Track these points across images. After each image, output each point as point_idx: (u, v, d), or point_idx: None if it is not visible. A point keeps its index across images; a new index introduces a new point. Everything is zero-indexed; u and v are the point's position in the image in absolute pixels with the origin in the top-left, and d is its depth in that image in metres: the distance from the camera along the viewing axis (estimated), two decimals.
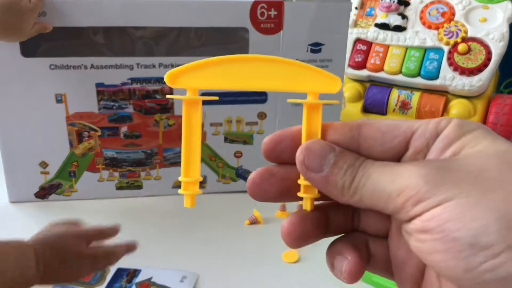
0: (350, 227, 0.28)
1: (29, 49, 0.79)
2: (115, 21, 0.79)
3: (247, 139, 0.89)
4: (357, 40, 1.06)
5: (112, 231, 0.64)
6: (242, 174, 0.91)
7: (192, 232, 0.80)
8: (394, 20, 1.02)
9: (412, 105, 0.98)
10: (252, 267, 0.71)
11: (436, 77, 0.96)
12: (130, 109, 0.84)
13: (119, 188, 0.89)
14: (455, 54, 0.95)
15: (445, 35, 0.97)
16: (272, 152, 0.27)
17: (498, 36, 0.93)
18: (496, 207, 0.20)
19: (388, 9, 1.03)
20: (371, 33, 1.04)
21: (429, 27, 1.00)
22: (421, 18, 1.01)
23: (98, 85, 0.82)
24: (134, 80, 0.83)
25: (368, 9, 1.08)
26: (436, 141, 0.24)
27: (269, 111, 0.87)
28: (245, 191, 0.88)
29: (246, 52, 0.82)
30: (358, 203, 0.24)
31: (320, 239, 0.27)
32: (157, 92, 0.84)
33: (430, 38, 0.98)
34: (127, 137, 0.86)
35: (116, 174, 0.88)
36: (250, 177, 0.27)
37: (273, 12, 0.81)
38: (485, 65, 0.93)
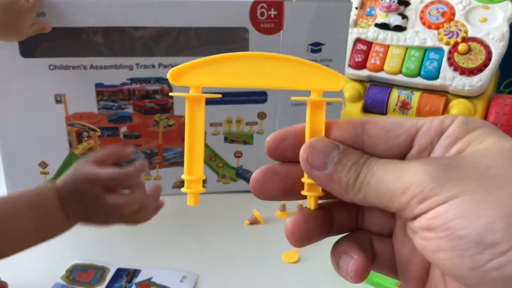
0: (354, 226, 0.28)
1: (29, 49, 0.79)
2: (115, 21, 0.79)
3: (247, 139, 0.89)
4: (357, 40, 1.05)
5: (125, 152, 0.65)
6: (242, 174, 0.91)
7: (192, 232, 0.80)
8: (394, 20, 1.02)
9: (412, 105, 0.98)
10: (252, 267, 0.71)
11: (436, 77, 0.96)
12: (129, 109, 0.84)
13: None
14: (455, 54, 0.95)
15: (445, 35, 0.97)
16: (275, 150, 0.26)
17: (498, 36, 0.93)
18: (502, 205, 0.20)
19: (388, 9, 1.03)
20: (371, 33, 1.04)
21: (429, 27, 1.00)
22: (421, 18, 1.01)
23: (98, 85, 0.82)
24: (133, 80, 0.82)
25: (368, 9, 1.08)
26: (441, 139, 0.24)
27: (269, 111, 0.87)
28: (245, 191, 0.89)
29: None
30: (363, 201, 0.24)
31: (324, 238, 0.27)
32: (156, 92, 0.84)
33: (430, 38, 0.98)
34: (127, 137, 0.86)
35: None
36: (253, 175, 0.26)
37: (273, 12, 0.80)
38: (485, 65, 0.93)
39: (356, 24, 1.08)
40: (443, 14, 1.00)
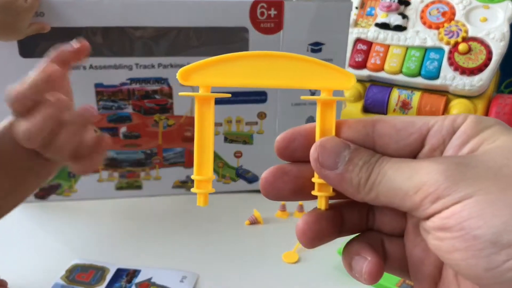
0: (364, 226, 0.28)
1: (27, 49, 0.78)
2: (114, 21, 0.79)
3: (247, 139, 0.89)
4: (357, 40, 1.05)
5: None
6: (242, 174, 0.91)
7: (192, 232, 0.79)
8: (395, 19, 1.02)
9: (413, 105, 0.98)
10: (252, 267, 0.71)
11: (436, 77, 0.96)
12: (129, 110, 0.84)
13: (119, 188, 0.89)
14: (456, 54, 0.95)
15: (445, 34, 0.97)
16: (285, 150, 0.26)
17: (498, 36, 0.93)
18: None
19: (389, 9, 1.03)
20: (372, 32, 1.03)
21: (430, 27, 0.99)
22: (421, 17, 1.01)
23: (97, 85, 0.82)
24: (133, 80, 0.82)
25: (368, 9, 1.08)
26: (453, 137, 0.24)
27: (269, 111, 0.87)
28: (245, 191, 0.88)
29: None
30: (374, 201, 0.24)
31: (335, 239, 0.27)
32: (156, 92, 0.83)
33: (430, 38, 0.98)
34: (127, 137, 0.86)
35: (116, 174, 0.88)
36: (263, 175, 0.26)
37: (273, 12, 0.80)
38: (485, 65, 0.93)
39: (356, 24, 1.08)
40: (443, 14, 1.00)
